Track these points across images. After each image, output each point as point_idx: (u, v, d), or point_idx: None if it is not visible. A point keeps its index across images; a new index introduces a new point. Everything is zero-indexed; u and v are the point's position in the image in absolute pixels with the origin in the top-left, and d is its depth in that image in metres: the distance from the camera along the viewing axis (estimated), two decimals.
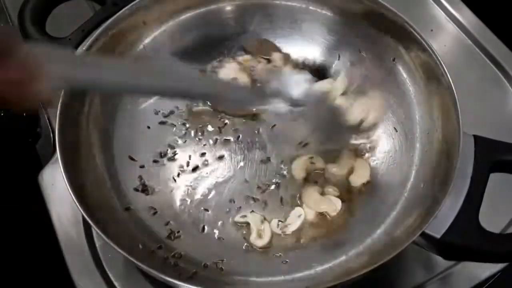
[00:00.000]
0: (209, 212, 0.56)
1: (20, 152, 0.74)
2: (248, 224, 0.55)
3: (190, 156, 0.59)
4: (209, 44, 0.63)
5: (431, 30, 0.74)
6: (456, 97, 0.50)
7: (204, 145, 0.60)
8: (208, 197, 0.57)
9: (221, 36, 0.64)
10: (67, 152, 0.50)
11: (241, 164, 0.59)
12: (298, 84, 0.54)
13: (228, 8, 0.64)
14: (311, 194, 0.56)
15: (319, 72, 0.63)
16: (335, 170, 0.57)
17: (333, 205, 0.56)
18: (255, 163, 0.59)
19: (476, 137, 0.49)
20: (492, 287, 0.58)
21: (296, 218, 0.55)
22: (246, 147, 0.60)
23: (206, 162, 0.59)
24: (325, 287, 0.45)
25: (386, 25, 0.58)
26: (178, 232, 0.54)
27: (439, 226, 0.45)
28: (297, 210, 0.56)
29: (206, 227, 0.55)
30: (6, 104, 0.33)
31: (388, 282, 0.57)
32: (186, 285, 0.45)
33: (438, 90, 0.54)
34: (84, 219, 0.52)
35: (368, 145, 0.59)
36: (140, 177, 0.57)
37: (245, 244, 0.54)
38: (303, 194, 0.57)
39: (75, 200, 0.47)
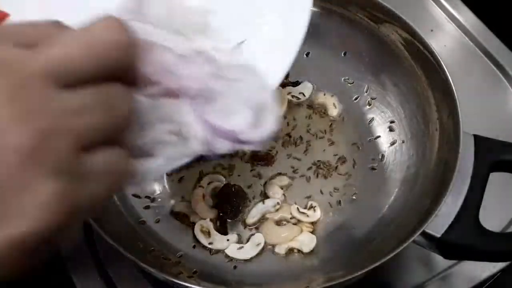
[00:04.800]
0: None
1: None
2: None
3: None
4: None
5: (431, 30, 0.74)
6: (456, 97, 0.50)
7: None
8: None
9: None
10: None
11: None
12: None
13: None
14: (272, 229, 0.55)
15: None
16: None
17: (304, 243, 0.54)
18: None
19: (476, 137, 0.49)
20: (492, 287, 0.58)
21: (254, 246, 0.53)
22: None
23: None
24: (325, 287, 0.45)
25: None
26: None
27: (439, 225, 0.45)
28: (257, 236, 0.54)
29: None
30: None
31: (388, 282, 0.57)
32: (186, 284, 0.45)
33: (438, 90, 0.54)
34: None
35: None
36: None
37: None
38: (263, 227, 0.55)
39: None
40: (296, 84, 0.63)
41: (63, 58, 0.23)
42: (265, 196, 0.57)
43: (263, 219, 0.55)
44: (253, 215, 0.55)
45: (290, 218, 0.55)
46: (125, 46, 0.24)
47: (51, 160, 0.22)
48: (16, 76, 0.22)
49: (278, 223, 0.55)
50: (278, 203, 0.55)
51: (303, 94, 0.63)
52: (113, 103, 0.24)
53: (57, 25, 0.25)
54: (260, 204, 0.56)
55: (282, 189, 0.57)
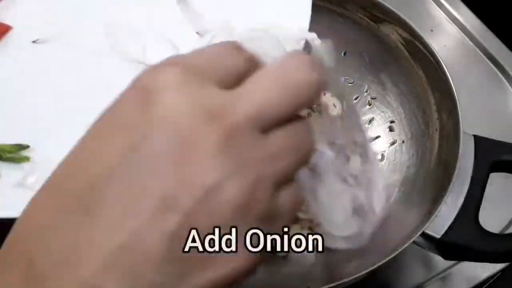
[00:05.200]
0: None
1: None
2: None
3: None
4: None
5: (431, 30, 0.74)
6: (456, 97, 0.50)
7: None
8: None
9: None
10: None
11: None
12: None
13: None
14: None
15: None
16: None
17: None
18: None
19: (476, 137, 0.49)
20: (492, 287, 0.58)
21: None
22: None
23: None
24: (325, 287, 0.45)
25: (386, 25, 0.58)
26: None
27: (439, 226, 0.45)
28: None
29: None
30: None
31: (388, 282, 0.57)
32: None
33: (438, 90, 0.54)
34: None
35: None
36: None
37: None
38: None
39: None
40: None
41: (266, 103, 0.23)
42: None
43: None
44: None
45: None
46: (317, 85, 0.24)
47: (257, 208, 0.22)
48: (225, 124, 0.22)
49: None
50: None
51: None
52: (301, 141, 0.24)
53: (243, 54, 0.25)
54: None
55: None
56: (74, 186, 0.22)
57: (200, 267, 0.22)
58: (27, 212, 0.23)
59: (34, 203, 0.23)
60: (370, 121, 0.60)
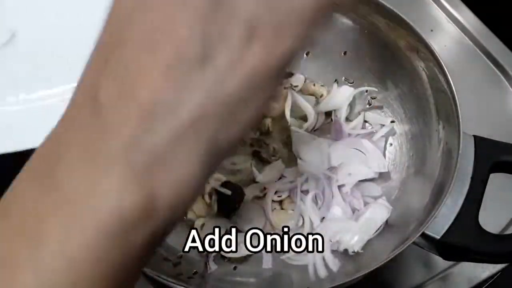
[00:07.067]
0: None
1: (19, 151, 0.73)
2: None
3: None
4: None
5: (431, 30, 0.74)
6: (456, 98, 0.50)
7: None
8: None
9: None
10: None
11: None
12: None
13: None
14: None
15: None
16: None
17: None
18: None
19: (476, 137, 0.49)
20: (492, 287, 0.58)
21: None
22: None
23: None
24: None
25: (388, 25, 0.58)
26: None
27: (439, 227, 0.45)
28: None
29: None
30: None
31: (388, 282, 0.57)
32: (185, 286, 0.45)
33: (438, 90, 0.54)
34: None
35: None
36: None
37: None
38: None
39: None
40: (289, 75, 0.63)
41: None
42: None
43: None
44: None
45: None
46: None
47: None
48: None
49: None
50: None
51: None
52: None
53: None
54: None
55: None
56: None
57: None
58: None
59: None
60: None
